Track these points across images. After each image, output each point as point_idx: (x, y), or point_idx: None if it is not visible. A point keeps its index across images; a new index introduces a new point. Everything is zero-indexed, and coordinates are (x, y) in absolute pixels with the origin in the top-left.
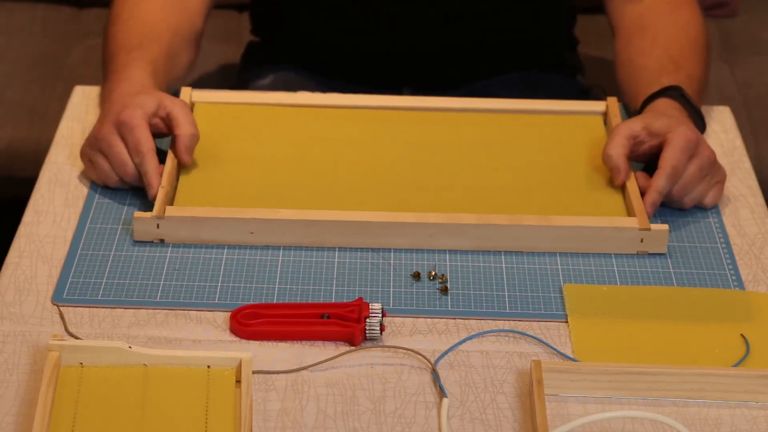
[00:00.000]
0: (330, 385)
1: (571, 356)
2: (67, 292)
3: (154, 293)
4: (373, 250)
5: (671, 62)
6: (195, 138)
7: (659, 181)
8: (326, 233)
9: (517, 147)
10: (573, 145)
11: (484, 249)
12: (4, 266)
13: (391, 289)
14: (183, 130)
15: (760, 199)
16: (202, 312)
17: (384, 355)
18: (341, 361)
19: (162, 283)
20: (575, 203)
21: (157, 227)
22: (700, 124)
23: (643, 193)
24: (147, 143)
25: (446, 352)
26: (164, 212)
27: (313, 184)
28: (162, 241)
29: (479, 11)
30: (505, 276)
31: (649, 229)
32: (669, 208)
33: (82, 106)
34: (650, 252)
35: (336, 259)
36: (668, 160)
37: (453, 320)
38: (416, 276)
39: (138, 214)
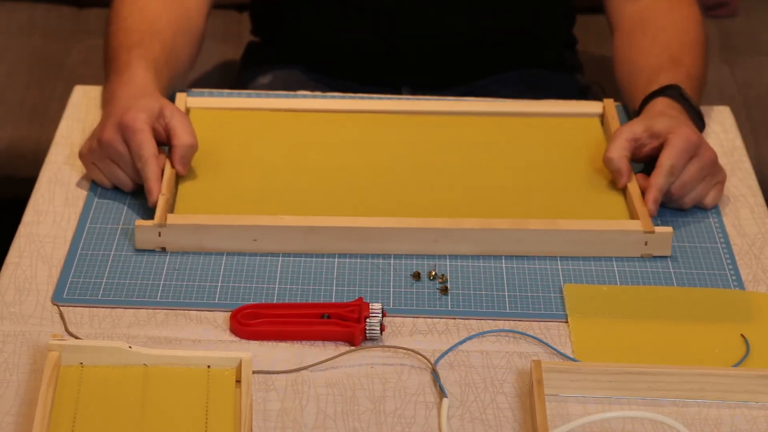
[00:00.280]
0: (330, 385)
1: (571, 356)
2: (67, 292)
3: (154, 293)
4: (376, 256)
5: (670, 61)
6: (192, 149)
7: (657, 179)
8: (330, 240)
9: (515, 149)
10: (571, 148)
11: (488, 253)
12: (4, 266)
13: (391, 289)
14: (180, 140)
15: (760, 199)
16: (202, 312)
17: (384, 355)
18: (341, 361)
19: (162, 283)
20: (577, 206)
21: (159, 235)
22: (699, 123)
23: (642, 194)
24: (149, 148)
25: (446, 352)
26: (166, 220)
27: (312, 189)
28: (163, 249)
29: (479, 9)
30: (505, 276)
31: (653, 232)
32: (669, 209)
33: (82, 106)
34: (654, 255)
35: (336, 260)
36: (667, 158)
37: (453, 320)
38: (416, 276)
39: (139, 222)
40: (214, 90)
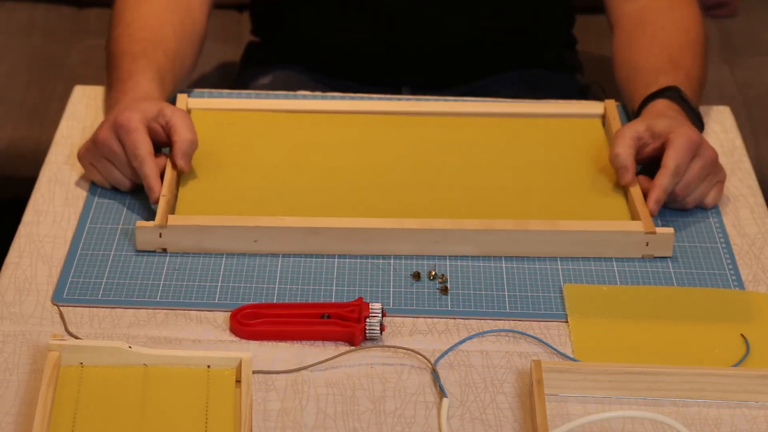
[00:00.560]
0: (330, 385)
1: (571, 356)
2: (67, 292)
3: (154, 293)
4: (376, 257)
5: (669, 62)
6: (193, 144)
7: (663, 179)
8: (330, 241)
9: (516, 150)
10: (572, 149)
11: (489, 254)
12: (4, 266)
13: (391, 289)
14: (180, 136)
15: (760, 199)
16: (202, 312)
17: (384, 355)
18: (341, 361)
19: (162, 283)
20: (578, 207)
21: (160, 236)
22: (699, 124)
23: (645, 195)
24: (145, 146)
25: (446, 352)
26: (167, 221)
27: (313, 190)
28: (164, 250)
29: (479, 9)
30: (505, 276)
31: (654, 233)
32: (669, 209)
33: (82, 106)
34: (655, 255)
35: (336, 260)
36: (671, 158)
37: (453, 320)
38: (416, 276)
39: (140, 223)
40: (214, 90)
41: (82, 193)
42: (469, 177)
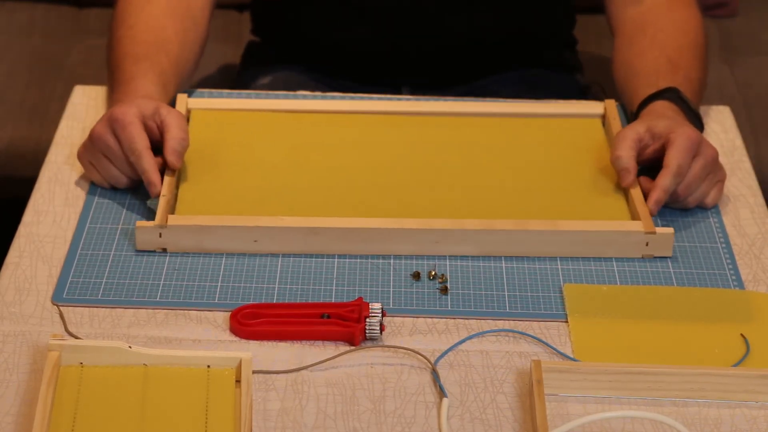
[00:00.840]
0: (330, 385)
1: (571, 356)
2: (67, 292)
3: (154, 293)
4: (376, 256)
5: (669, 63)
6: (184, 142)
7: (665, 180)
8: (330, 241)
9: (516, 150)
10: (572, 149)
11: (489, 254)
12: (4, 266)
13: (391, 289)
14: (171, 133)
15: (760, 199)
16: (202, 312)
17: (384, 355)
18: (341, 361)
19: (162, 283)
20: (578, 207)
21: (160, 236)
22: (698, 125)
23: (645, 196)
24: (141, 140)
25: (446, 352)
26: (167, 221)
27: (313, 190)
28: (164, 250)
29: (479, 9)
30: (505, 276)
31: (654, 233)
32: (669, 209)
33: (82, 106)
34: (655, 255)
35: (336, 260)
36: (673, 159)
37: (453, 320)
38: (416, 276)
39: (140, 223)
40: (214, 90)
41: (82, 193)
42: (469, 177)
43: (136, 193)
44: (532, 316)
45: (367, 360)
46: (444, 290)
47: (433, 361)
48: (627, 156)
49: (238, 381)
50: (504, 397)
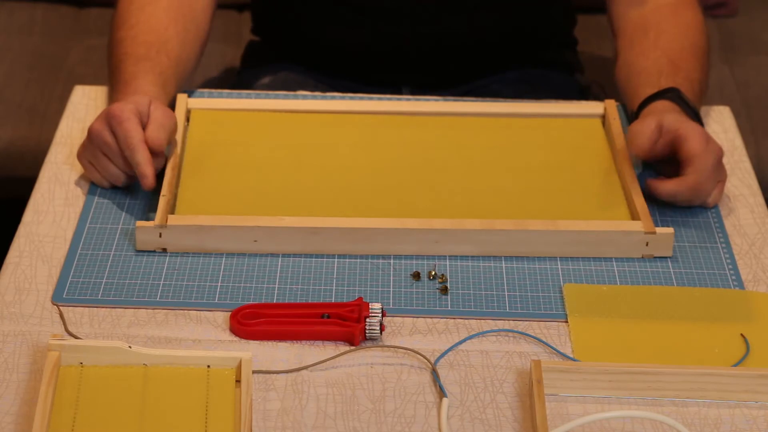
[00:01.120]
0: (330, 384)
1: (571, 356)
2: (67, 292)
3: (154, 293)
4: (376, 256)
5: (670, 64)
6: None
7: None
8: (330, 241)
9: (516, 150)
10: (572, 149)
11: (489, 254)
12: (4, 266)
13: (391, 289)
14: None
15: (760, 199)
16: (202, 312)
17: (384, 355)
18: (341, 361)
19: (162, 282)
20: (578, 207)
21: (160, 236)
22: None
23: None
24: (136, 135)
25: (446, 352)
26: (167, 221)
27: (313, 190)
28: (164, 250)
29: (478, 9)
30: (505, 276)
31: (654, 233)
32: (668, 209)
33: (82, 106)
34: (655, 255)
35: (336, 260)
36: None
37: (453, 320)
38: (416, 276)
39: (140, 223)
40: (214, 90)
41: (82, 193)
42: (469, 177)
43: (137, 194)
44: (532, 316)
45: (367, 360)
46: (444, 290)
47: (433, 361)
48: (648, 149)
49: (238, 381)
50: (504, 397)
